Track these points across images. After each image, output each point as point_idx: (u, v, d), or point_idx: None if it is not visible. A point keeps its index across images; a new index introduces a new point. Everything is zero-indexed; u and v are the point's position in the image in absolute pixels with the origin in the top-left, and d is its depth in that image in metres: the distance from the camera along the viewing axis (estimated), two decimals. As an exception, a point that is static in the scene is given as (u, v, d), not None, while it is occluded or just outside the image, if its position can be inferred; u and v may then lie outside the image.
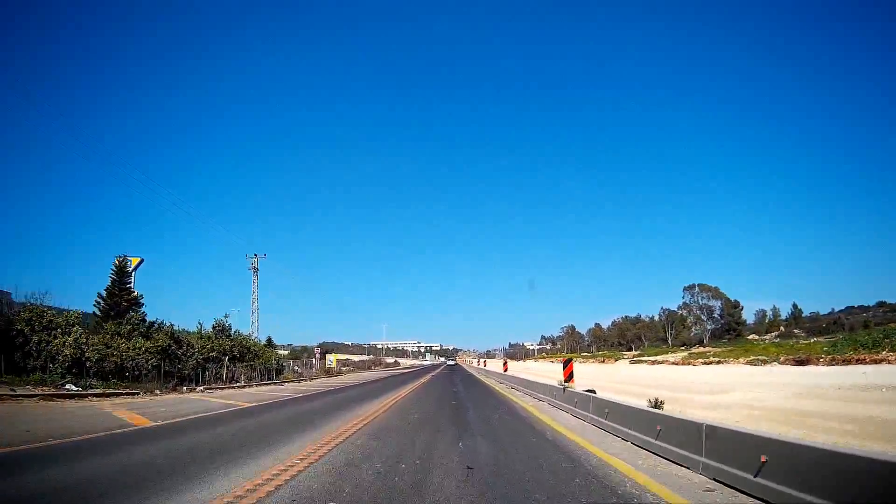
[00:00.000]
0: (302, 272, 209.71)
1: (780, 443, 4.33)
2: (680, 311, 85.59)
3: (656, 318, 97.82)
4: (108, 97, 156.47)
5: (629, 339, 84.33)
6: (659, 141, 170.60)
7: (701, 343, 70.40)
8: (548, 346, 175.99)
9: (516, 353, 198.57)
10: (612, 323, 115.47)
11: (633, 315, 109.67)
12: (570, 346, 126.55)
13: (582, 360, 73.02)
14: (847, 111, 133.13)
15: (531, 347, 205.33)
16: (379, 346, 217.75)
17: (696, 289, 72.88)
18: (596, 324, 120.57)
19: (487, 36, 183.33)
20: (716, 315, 72.33)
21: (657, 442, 6.59)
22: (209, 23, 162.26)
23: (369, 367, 72.02)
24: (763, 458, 4.26)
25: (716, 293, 70.93)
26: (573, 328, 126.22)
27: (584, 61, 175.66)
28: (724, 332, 74.05)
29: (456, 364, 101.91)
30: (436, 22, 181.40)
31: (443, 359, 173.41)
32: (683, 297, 74.92)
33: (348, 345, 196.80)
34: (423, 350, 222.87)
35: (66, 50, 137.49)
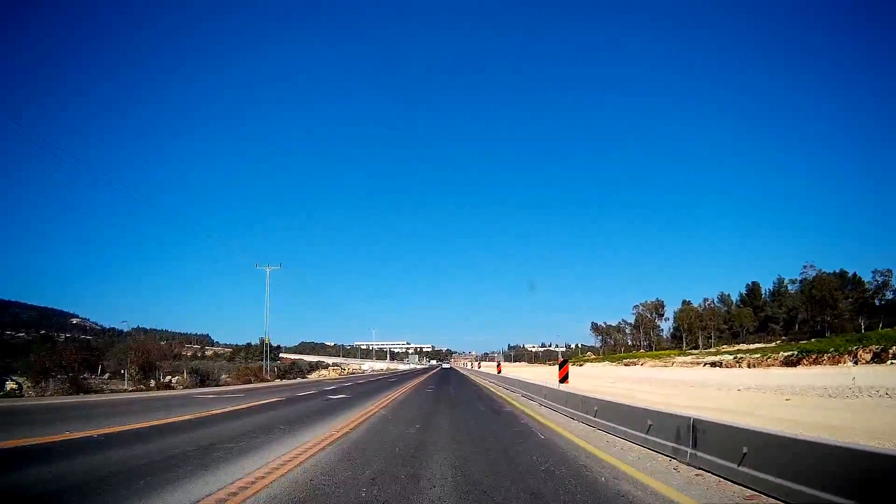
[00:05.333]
0: (292, 273, 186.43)
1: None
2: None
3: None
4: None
5: (823, 320, 57.74)
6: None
7: None
8: (576, 344, 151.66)
9: (521, 354, 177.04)
10: (720, 297, 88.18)
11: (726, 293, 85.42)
12: (647, 339, 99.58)
13: None
14: None
15: (533, 350, 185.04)
16: (364, 347, 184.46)
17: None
18: (685, 301, 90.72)
19: (489, 37, 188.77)
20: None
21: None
22: (204, 28, 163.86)
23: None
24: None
25: None
26: (658, 305, 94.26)
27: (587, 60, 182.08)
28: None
29: (451, 369, 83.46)
30: (436, 24, 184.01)
31: (434, 361, 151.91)
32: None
33: (329, 345, 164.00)
34: (410, 351, 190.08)
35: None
